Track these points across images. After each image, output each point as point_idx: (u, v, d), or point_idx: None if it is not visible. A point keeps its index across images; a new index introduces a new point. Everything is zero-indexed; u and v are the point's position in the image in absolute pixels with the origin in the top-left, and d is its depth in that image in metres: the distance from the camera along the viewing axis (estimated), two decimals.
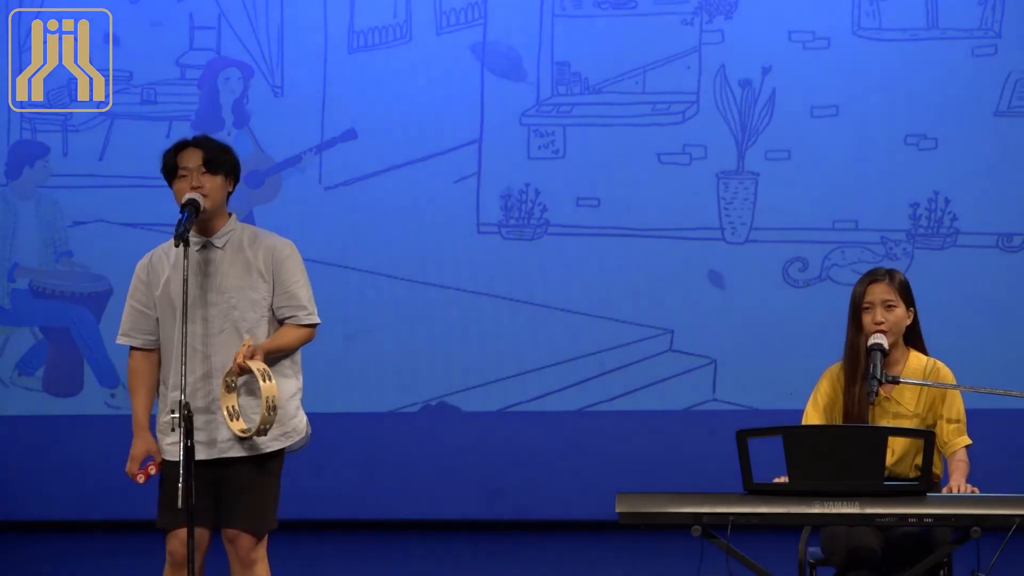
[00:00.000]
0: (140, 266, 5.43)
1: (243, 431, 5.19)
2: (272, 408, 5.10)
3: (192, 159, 5.29)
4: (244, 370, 5.15)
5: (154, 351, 5.39)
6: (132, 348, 5.41)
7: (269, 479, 5.34)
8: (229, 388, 5.20)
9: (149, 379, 5.38)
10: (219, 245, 5.33)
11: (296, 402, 5.37)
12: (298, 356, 5.42)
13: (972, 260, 9.26)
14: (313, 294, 5.43)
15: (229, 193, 5.39)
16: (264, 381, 5.08)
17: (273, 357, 5.26)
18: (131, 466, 5.34)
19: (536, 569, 8.64)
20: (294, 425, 5.36)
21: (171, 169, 5.31)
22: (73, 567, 8.75)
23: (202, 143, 5.34)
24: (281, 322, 5.36)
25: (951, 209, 9.28)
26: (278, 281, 5.35)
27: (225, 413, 5.19)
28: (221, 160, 5.32)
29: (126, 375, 5.47)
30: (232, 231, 5.37)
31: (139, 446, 5.33)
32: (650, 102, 9.42)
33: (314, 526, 9.36)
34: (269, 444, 5.28)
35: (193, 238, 5.27)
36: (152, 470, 5.31)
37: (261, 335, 5.29)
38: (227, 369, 5.21)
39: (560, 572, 8.58)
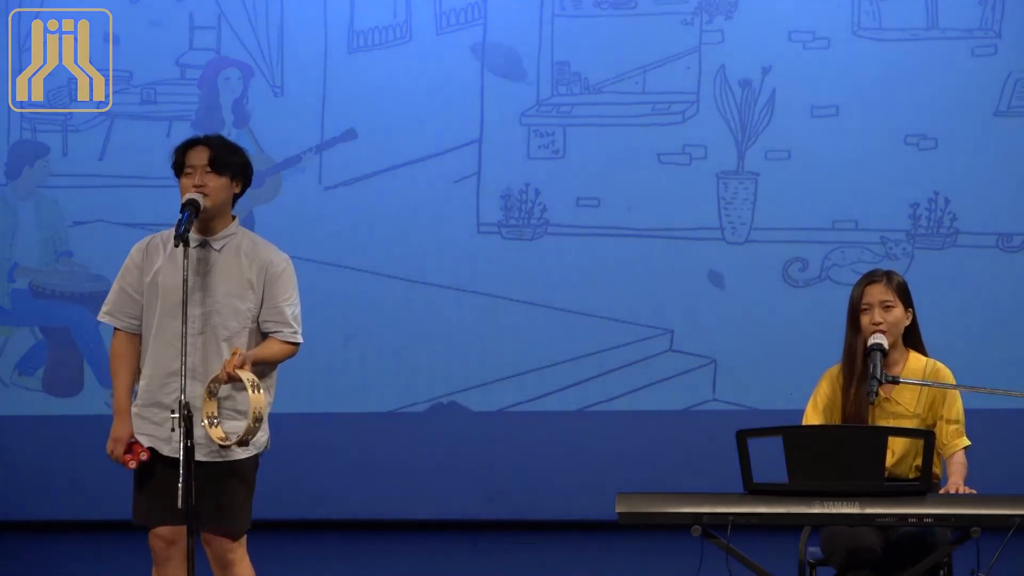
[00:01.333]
0: (136, 249, 5.40)
1: (222, 439, 5.15)
2: (258, 419, 5.06)
3: (198, 157, 5.28)
4: (233, 379, 5.11)
5: (137, 335, 5.36)
6: (116, 329, 5.38)
7: (240, 480, 5.29)
8: (211, 395, 5.16)
9: (131, 362, 5.35)
10: (216, 248, 5.31)
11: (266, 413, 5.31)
12: (275, 372, 5.39)
13: (972, 260, 9.26)
14: (300, 312, 5.39)
15: (237, 195, 5.36)
16: (253, 392, 5.04)
17: (257, 369, 5.22)
18: (115, 448, 5.28)
19: (536, 569, 8.64)
20: (257, 438, 5.29)
21: (179, 166, 5.31)
22: (73, 567, 8.74)
23: (211, 142, 5.32)
24: (264, 335, 5.34)
25: (951, 209, 9.28)
26: (268, 295, 5.32)
27: (205, 420, 5.15)
28: (227, 161, 5.29)
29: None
30: (232, 235, 5.35)
31: (122, 428, 5.28)
32: (650, 102, 9.41)
33: (314, 526, 9.35)
34: (231, 454, 5.24)
35: (191, 235, 5.24)
36: (144, 456, 5.26)
37: (240, 345, 5.26)
38: (210, 375, 5.18)
39: (560, 572, 8.58)
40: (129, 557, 8.76)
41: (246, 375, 5.07)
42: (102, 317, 5.40)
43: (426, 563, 8.73)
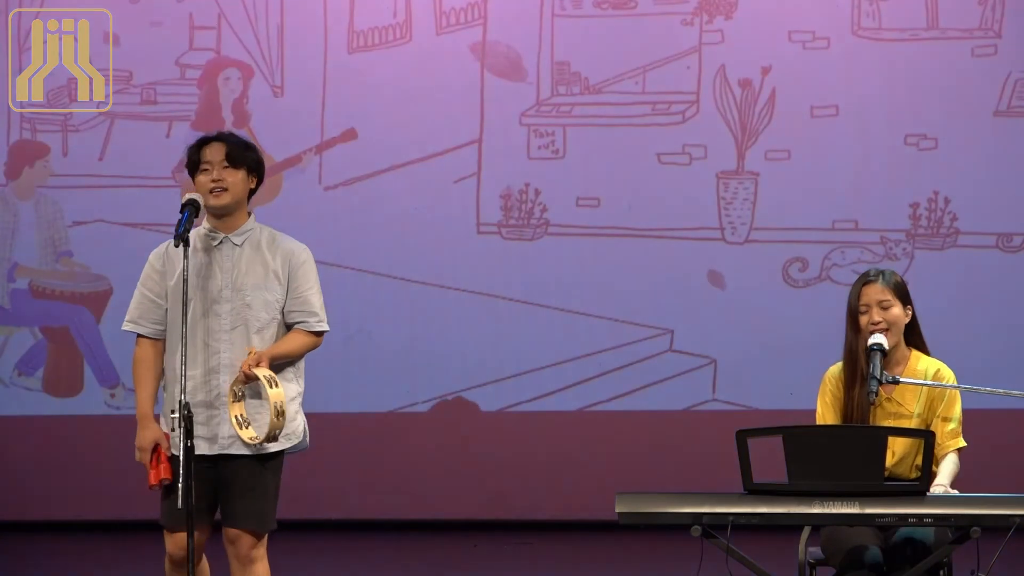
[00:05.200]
0: (155, 255, 5.43)
1: (253, 439, 5.19)
2: (280, 414, 5.11)
3: (215, 153, 5.33)
4: (250, 378, 5.16)
5: (161, 340, 5.38)
6: (139, 336, 5.40)
7: (269, 479, 5.33)
8: (236, 397, 5.20)
9: (155, 368, 5.37)
10: (238, 243, 5.36)
11: (296, 405, 5.38)
12: (301, 361, 5.44)
13: (972, 260, 9.26)
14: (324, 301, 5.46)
15: (252, 191, 5.41)
16: (271, 388, 5.11)
17: (278, 363, 5.28)
18: (142, 456, 5.28)
19: (536, 569, 8.64)
20: (294, 427, 5.36)
21: (194, 164, 5.35)
22: (73, 567, 8.74)
23: (225, 137, 5.40)
24: (289, 326, 5.37)
25: (951, 209, 9.29)
26: (292, 286, 5.38)
27: (234, 422, 5.18)
28: (243, 155, 5.35)
29: (128, 372, 5.46)
30: (252, 230, 5.40)
31: (146, 436, 5.29)
32: (650, 102, 9.42)
33: (314, 526, 9.35)
34: (264, 448, 5.27)
35: (213, 233, 5.33)
36: (166, 479, 5.23)
37: (269, 337, 5.31)
38: (235, 370, 5.22)
39: (560, 572, 8.58)
40: (130, 557, 8.77)
41: (262, 372, 5.13)
42: (126, 326, 5.43)
43: (426, 563, 8.73)
